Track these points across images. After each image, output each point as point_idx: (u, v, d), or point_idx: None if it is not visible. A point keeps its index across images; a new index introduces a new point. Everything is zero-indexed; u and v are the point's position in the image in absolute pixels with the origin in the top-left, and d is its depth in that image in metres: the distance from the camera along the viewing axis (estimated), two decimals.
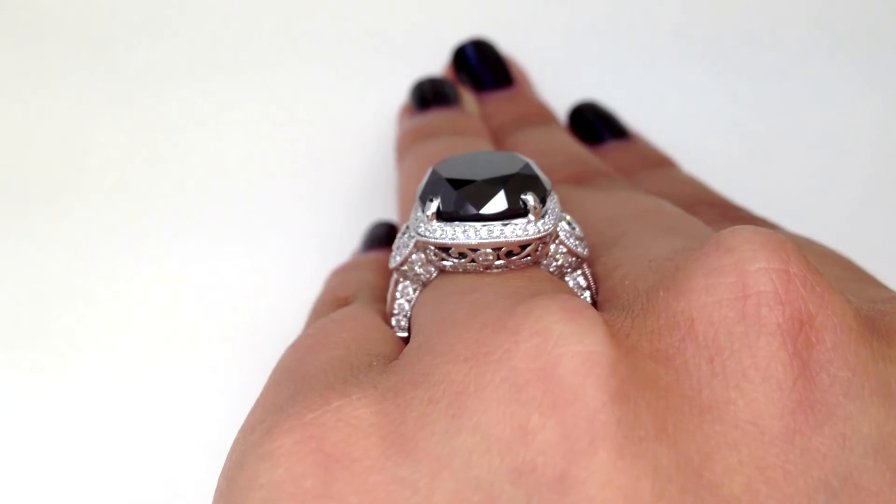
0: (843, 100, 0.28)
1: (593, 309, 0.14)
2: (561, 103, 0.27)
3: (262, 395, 0.17)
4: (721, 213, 0.22)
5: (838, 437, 0.13)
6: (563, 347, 0.13)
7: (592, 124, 0.26)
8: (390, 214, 0.25)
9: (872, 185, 0.27)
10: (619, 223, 0.18)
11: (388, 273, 0.18)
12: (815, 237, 0.20)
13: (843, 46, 0.28)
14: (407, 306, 0.18)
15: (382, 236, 0.24)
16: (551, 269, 0.17)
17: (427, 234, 0.17)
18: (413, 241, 0.17)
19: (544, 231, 0.17)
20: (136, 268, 0.25)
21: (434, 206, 0.17)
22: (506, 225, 0.16)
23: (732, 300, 0.14)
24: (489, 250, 0.16)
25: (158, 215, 0.25)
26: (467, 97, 0.25)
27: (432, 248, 0.17)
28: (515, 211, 0.17)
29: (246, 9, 0.27)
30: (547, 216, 0.17)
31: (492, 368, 0.14)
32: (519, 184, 0.17)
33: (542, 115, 0.26)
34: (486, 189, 0.17)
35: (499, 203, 0.16)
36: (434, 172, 0.17)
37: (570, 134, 0.26)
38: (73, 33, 0.27)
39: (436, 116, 0.24)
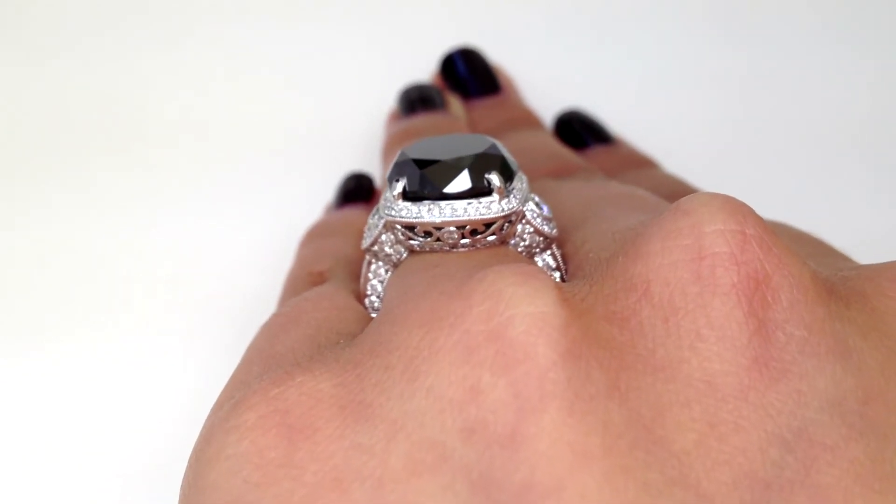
0: (837, 97, 0.28)
1: (546, 274, 0.14)
2: (548, 111, 0.27)
3: (234, 372, 0.17)
4: None
5: (793, 392, 0.13)
6: (515, 309, 0.13)
7: (577, 131, 0.26)
8: None
9: (867, 183, 0.27)
10: (590, 206, 0.19)
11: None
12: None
13: (836, 41, 0.28)
14: (379, 287, 0.18)
15: (355, 189, 0.25)
16: (519, 250, 0.18)
17: (393, 213, 0.17)
18: (382, 221, 0.17)
19: (508, 210, 0.17)
20: (129, 241, 0.25)
21: (400, 185, 0.17)
22: (469, 203, 0.17)
23: (688, 261, 0.14)
24: (453, 229, 0.17)
25: (155, 190, 0.26)
26: (454, 102, 0.26)
27: (399, 227, 0.17)
28: (480, 190, 0.17)
29: (244, 8, 0.28)
30: (512, 195, 0.17)
31: (445, 333, 0.14)
32: (484, 163, 0.17)
33: (528, 119, 0.26)
34: (451, 168, 0.17)
35: (463, 182, 0.17)
36: (402, 154, 0.17)
37: (555, 138, 0.26)
38: None
39: (422, 120, 0.24)
